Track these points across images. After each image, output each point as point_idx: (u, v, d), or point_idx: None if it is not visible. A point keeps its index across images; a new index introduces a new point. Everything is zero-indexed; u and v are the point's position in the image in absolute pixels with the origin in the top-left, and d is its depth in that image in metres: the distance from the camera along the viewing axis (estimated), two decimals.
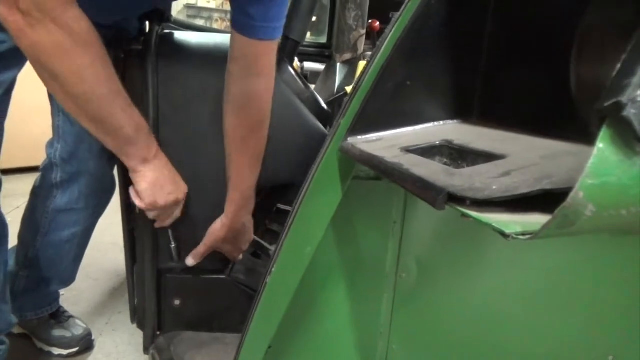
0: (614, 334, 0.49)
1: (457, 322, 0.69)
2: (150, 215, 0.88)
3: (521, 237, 0.27)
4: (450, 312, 0.70)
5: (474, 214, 0.30)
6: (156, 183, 0.82)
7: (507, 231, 0.27)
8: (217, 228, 0.95)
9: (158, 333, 1.03)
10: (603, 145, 0.23)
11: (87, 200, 1.03)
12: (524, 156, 0.38)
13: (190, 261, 0.96)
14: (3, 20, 0.62)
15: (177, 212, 0.91)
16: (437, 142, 0.48)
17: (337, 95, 1.43)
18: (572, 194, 0.23)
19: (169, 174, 0.84)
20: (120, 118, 0.73)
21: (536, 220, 0.30)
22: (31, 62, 0.66)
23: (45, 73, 0.66)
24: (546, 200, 0.32)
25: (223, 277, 1.03)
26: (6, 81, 0.80)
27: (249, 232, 0.99)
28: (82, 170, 1.00)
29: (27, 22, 0.60)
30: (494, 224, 0.28)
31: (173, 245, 0.96)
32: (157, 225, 0.92)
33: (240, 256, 1.03)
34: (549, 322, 0.56)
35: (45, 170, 1.03)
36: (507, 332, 0.62)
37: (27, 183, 1.17)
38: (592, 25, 0.37)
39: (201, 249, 0.96)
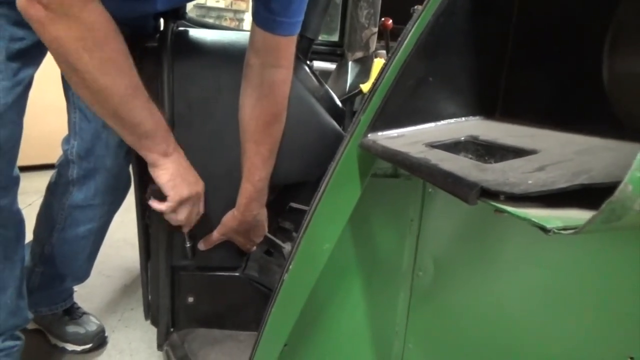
0: (633, 334, 0.48)
1: (474, 321, 0.69)
2: (179, 216, 0.87)
3: (563, 232, 0.26)
4: (467, 311, 0.70)
5: (509, 209, 0.30)
6: (178, 174, 0.82)
7: (548, 226, 0.27)
8: (229, 219, 0.95)
9: (172, 330, 1.04)
10: None
11: (103, 197, 1.03)
12: (556, 151, 0.37)
13: (201, 246, 0.98)
14: (23, 13, 0.62)
15: (201, 208, 0.91)
16: (462, 138, 0.48)
17: (350, 94, 1.43)
18: (620, 187, 0.23)
19: (187, 166, 0.85)
20: (139, 113, 0.73)
21: (574, 215, 0.30)
22: (52, 55, 0.66)
23: (66, 67, 0.66)
24: (580, 196, 0.31)
25: (236, 274, 1.03)
26: (26, 78, 0.80)
27: (261, 225, 0.99)
28: (98, 167, 1.00)
29: (48, 16, 0.61)
30: (533, 219, 0.28)
31: (188, 245, 0.96)
32: (185, 229, 0.92)
33: (254, 248, 1.02)
34: (567, 322, 0.55)
35: (61, 166, 1.04)
36: (524, 332, 0.61)
37: (39, 180, 1.18)
38: (626, 18, 0.36)
39: (213, 236, 0.97)
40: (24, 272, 0.94)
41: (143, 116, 0.74)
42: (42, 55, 0.84)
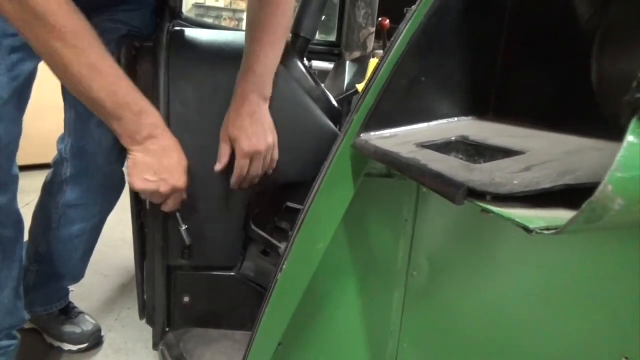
0: (627, 334, 0.48)
1: (468, 321, 0.69)
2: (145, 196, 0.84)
3: (545, 232, 0.26)
4: (461, 310, 0.70)
5: (495, 209, 0.30)
6: (136, 166, 0.78)
7: (531, 226, 0.27)
8: (227, 114, 0.89)
9: (167, 329, 1.04)
10: (633, 138, 0.23)
11: (95, 196, 1.03)
12: (544, 152, 0.37)
13: (217, 166, 0.91)
14: None
15: (174, 201, 0.85)
16: (453, 138, 0.48)
17: (347, 94, 1.43)
18: (600, 188, 0.23)
19: (158, 162, 0.79)
20: (98, 93, 0.69)
21: (559, 215, 0.30)
22: None
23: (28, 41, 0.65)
24: (568, 196, 0.32)
25: (232, 274, 1.03)
26: (23, 73, 0.79)
27: (260, 127, 0.88)
28: (90, 166, 1.00)
29: None
30: (516, 219, 0.28)
31: (184, 228, 0.93)
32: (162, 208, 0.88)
33: (257, 180, 0.94)
34: (561, 322, 0.55)
35: (56, 165, 1.04)
36: (519, 332, 0.61)
37: (37, 180, 1.18)
38: (615, 19, 0.36)
39: (221, 150, 0.91)
40: (22, 273, 0.94)
41: (102, 96, 0.69)
42: None
